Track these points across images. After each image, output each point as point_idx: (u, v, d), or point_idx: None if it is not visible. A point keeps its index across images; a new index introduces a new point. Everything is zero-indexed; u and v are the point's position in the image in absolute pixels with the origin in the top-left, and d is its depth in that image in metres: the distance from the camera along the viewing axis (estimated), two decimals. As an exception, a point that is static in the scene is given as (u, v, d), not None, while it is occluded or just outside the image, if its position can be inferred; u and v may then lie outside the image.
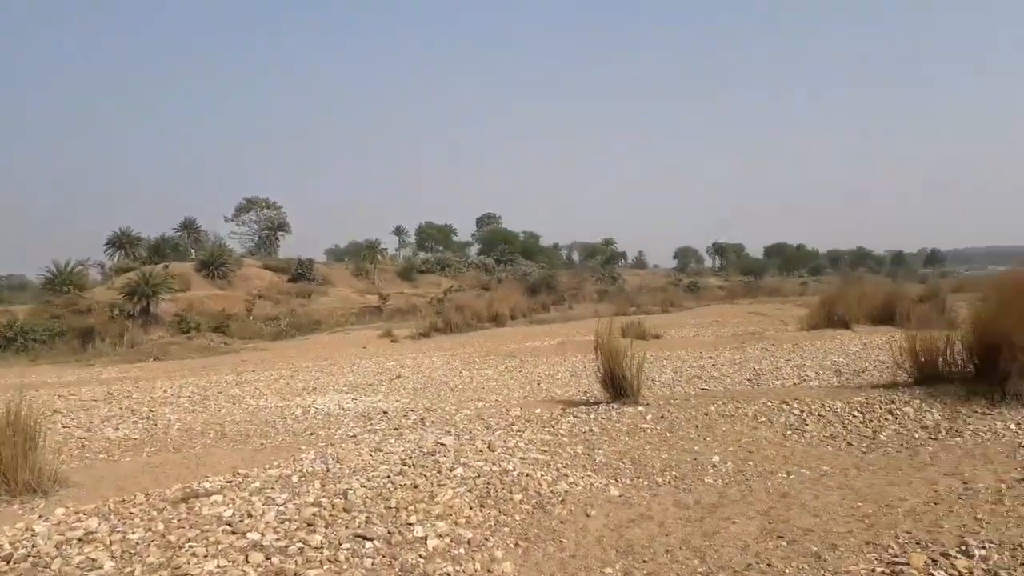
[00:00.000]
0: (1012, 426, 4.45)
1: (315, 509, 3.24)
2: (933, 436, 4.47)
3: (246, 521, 3.09)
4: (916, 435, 4.52)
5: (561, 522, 3.29)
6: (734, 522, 3.22)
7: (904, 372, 5.68)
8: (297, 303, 34.15)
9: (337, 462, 4.08)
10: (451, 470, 3.84)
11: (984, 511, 3.12)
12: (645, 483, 3.89)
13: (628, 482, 3.90)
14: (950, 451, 4.12)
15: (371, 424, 5.79)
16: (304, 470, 3.93)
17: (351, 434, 5.37)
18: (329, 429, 5.84)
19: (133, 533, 2.98)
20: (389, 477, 3.71)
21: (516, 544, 3.07)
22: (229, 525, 3.05)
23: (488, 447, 4.30)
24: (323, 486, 3.60)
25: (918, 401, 5.06)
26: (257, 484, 3.66)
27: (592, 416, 5.10)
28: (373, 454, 4.24)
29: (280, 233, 57.25)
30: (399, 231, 73.84)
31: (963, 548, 2.73)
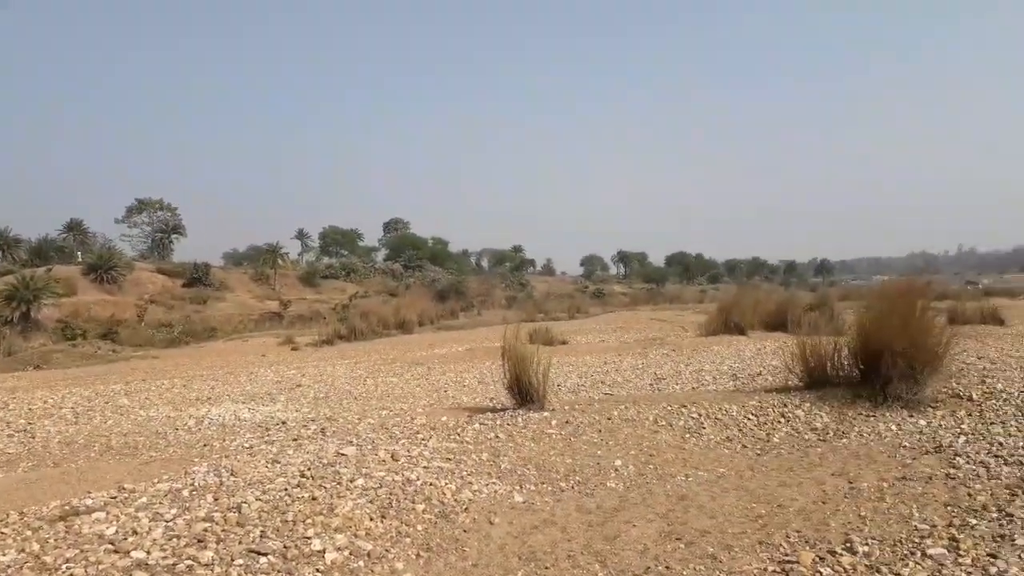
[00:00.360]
0: (893, 427, 4.71)
1: (206, 524, 3.09)
2: (822, 438, 4.67)
3: (131, 539, 2.91)
4: (806, 437, 4.72)
5: (464, 531, 3.25)
6: (635, 525, 3.26)
7: (795, 377, 5.92)
8: (192, 309, 32.84)
9: (231, 474, 3.90)
10: (352, 481, 3.74)
11: (868, 509, 3.28)
12: (549, 489, 3.89)
13: (532, 488, 3.89)
14: (837, 452, 4.31)
15: (269, 435, 5.59)
16: (196, 483, 3.75)
17: (247, 445, 5.17)
18: (224, 440, 5.60)
19: (4, 555, 2.76)
20: (287, 489, 3.58)
21: (418, 555, 3.01)
22: (112, 544, 2.87)
23: (391, 456, 4.21)
24: (216, 500, 3.43)
25: (808, 404, 5.28)
26: (144, 499, 3.47)
27: (498, 423, 5.08)
28: (270, 466, 4.08)
29: (175, 236, 54.88)
30: (302, 235, 72.21)
31: (848, 545, 2.86)
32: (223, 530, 3.05)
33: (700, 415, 5.18)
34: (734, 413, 5.20)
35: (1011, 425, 4.45)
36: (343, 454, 4.28)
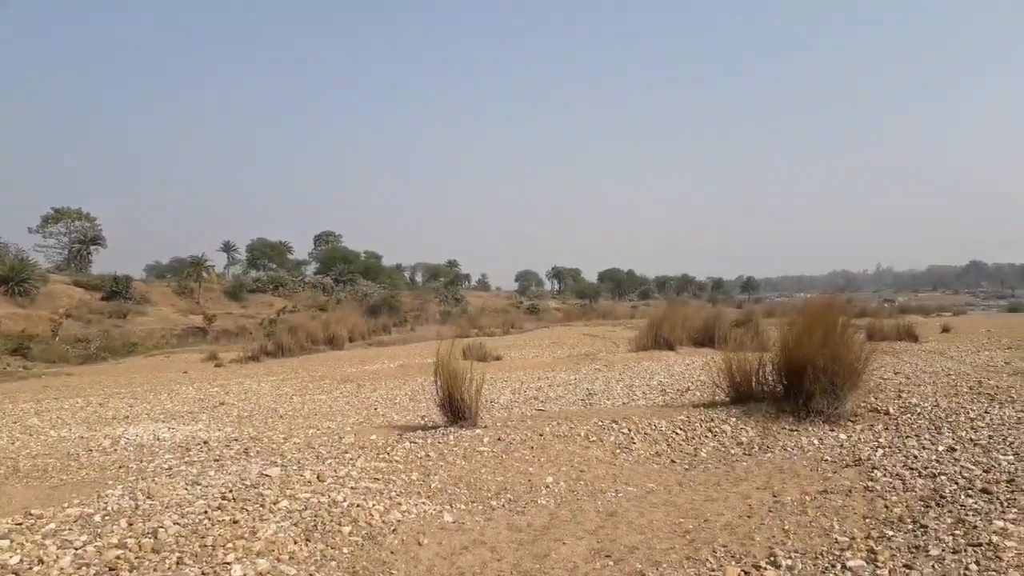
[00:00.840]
0: (815, 441, 4.84)
1: (119, 551, 2.94)
2: (748, 452, 4.76)
3: (36, 568, 2.76)
4: (732, 452, 4.80)
5: (392, 553, 3.18)
6: (564, 543, 3.25)
7: (722, 392, 6.04)
8: (111, 323, 31.62)
9: (148, 498, 3.73)
10: (276, 503, 3.62)
11: (791, 523, 3.35)
12: (480, 507, 3.84)
13: (463, 507, 3.84)
14: (762, 466, 4.40)
15: (189, 455, 5.37)
16: (109, 508, 3.56)
17: (166, 467, 4.95)
18: (141, 462, 5.35)
19: None
20: (206, 512, 3.44)
21: (343, 579, 2.92)
22: (16, 574, 2.70)
23: (317, 477, 4.10)
24: (130, 525, 3.27)
25: (734, 419, 5.38)
26: (52, 525, 3.27)
27: (429, 441, 5.01)
28: (189, 488, 3.92)
29: (93, 247, 52.73)
30: (228, 247, 70.43)
31: (772, 559, 2.91)
32: (137, 557, 2.91)
33: (630, 430, 5.22)
34: (663, 428, 5.26)
35: (925, 438, 4.63)
36: (267, 475, 4.14)
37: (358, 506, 3.65)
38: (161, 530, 3.19)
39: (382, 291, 48.95)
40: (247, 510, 3.49)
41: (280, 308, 38.55)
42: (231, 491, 3.80)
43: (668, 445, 4.98)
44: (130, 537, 3.10)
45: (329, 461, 4.52)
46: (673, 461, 4.67)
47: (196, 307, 39.69)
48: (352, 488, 3.94)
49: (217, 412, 8.30)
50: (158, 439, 6.44)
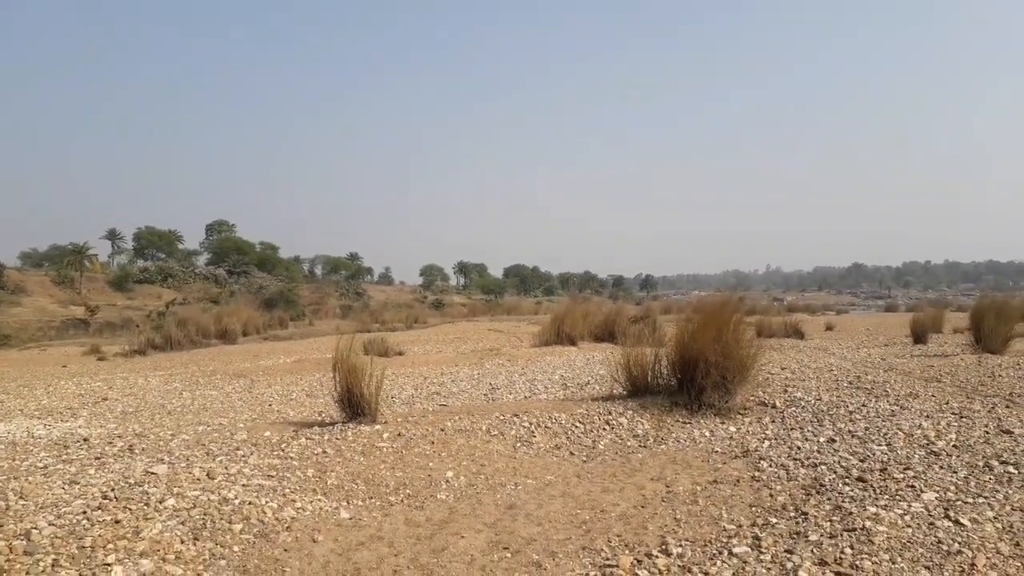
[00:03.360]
0: (707, 433, 5.02)
1: (-15, 556, 2.72)
2: (643, 444, 4.88)
3: None
4: (629, 444, 4.92)
5: (285, 550, 3.08)
6: (463, 536, 3.24)
7: (620, 386, 6.18)
8: (-18, 314, 29.40)
9: (20, 498, 3.48)
10: (161, 501, 3.44)
11: (682, 512, 3.46)
12: (378, 503, 3.78)
13: (360, 503, 3.77)
14: (657, 457, 4.52)
15: (68, 453, 5.03)
16: (-25, 511, 3.30)
17: (41, 465, 4.62)
18: (14, 460, 4.97)
19: None
20: (85, 512, 3.24)
21: (233, 579, 2.81)
22: None
23: (207, 475, 3.93)
24: (0, 527, 3.04)
25: (631, 412, 5.51)
26: (-92, 532, 3.01)
27: (326, 437, 4.89)
28: (67, 487, 3.68)
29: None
30: (113, 235, 66.67)
31: (664, 547, 3.00)
32: (7, 560, 2.71)
33: (531, 424, 5.27)
34: (563, 421, 5.33)
35: (808, 430, 4.88)
36: (153, 473, 3.94)
37: (250, 503, 3.53)
38: (35, 531, 2.98)
39: (278, 284, 47.64)
40: (130, 509, 3.31)
41: (169, 300, 36.75)
42: (113, 490, 3.59)
43: (567, 438, 5.04)
44: (0, 540, 2.89)
45: (220, 458, 4.34)
46: (572, 453, 4.74)
47: (77, 298, 37.52)
48: (244, 485, 3.80)
49: (99, 408, 7.84)
50: (32, 436, 6.01)
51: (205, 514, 3.34)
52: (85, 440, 5.59)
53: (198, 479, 3.85)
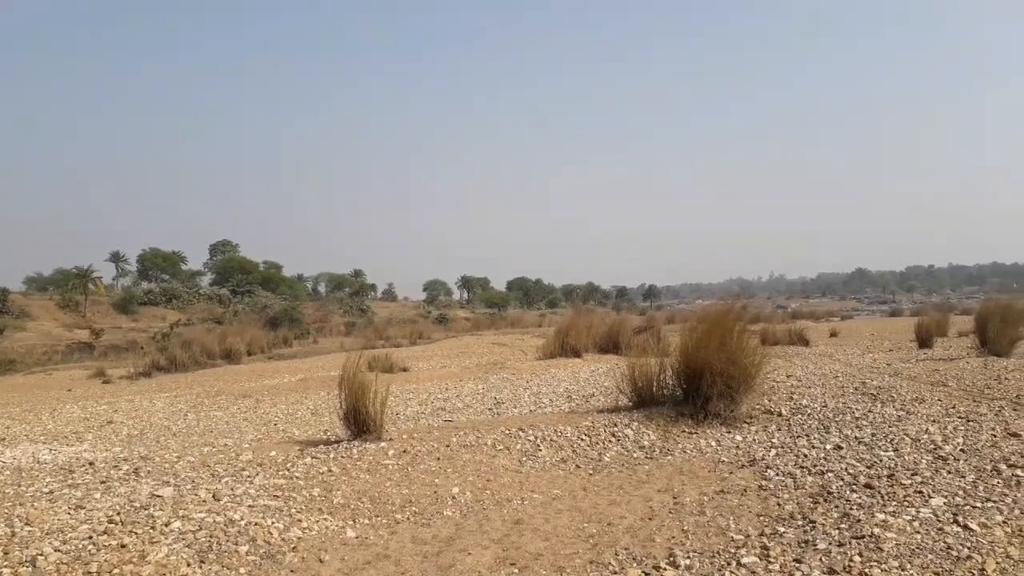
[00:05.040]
0: (713, 443, 5.00)
1: (-9, 584, 2.72)
2: (649, 455, 4.87)
3: None
4: (635, 455, 4.90)
5: (292, 571, 3.07)
6: (470, 553, 3.23)
7: (625, 397, 6.16)
8: (-12, 340, 29.45)
9: (26, 524, 3.48)
10: (167, 524, 3.44)
11: (690, 523, 3.44)
12: (384, 521, 3.77)
13: (366, 522, 3.76)
14: (663, 469, 4.51)
15: (73, 478, 5.03)
16: (-20, 538, 3.30)
17: (47, 490, 4.62)
18: (19, 486, 4.97)
19: None
20: (91, 537, 3.24)
21: (240, 601, 2.80)
22: None
23: (213, 496, 3.93)
24: (5, 553, 3.04)
25: (637, 423, 5.50)
26: (-85, 561, 3.01)
27: (332, 456, 4.89)
28: (73, 512, 3.67)
29: (-35, 258, 49.13)
30: (117, 258, 66.91)
31: (671, 559, 2.98)
32: (13, 589, 2.71)
33: (537, 438, 5.25)
34: (568, 434, 5.32)
35: (815, 438, 4.86)
36: (158, 495, 3.94)
37: (256, 524, 3.52)
38: (40, 558, 2.98)
39: (283, 302, 47.60)
40: (136, 533, 3.31)
41: (174, 321, 36.75)
42: (119, 514, 3.59)
43: (573, 451, 5.03)
44: (5, 567, 2.88)
45: (226, 479, 4.34)
46: (578, 466, 4.72)
47: (82, 321, 37.55)
48: (250, 506, 3.79)
49: (104, 431, 7.84)
50: (38, 461, 6.01)
51: (211, 536, 3.33)
52: (90, 464, 5.58)
53: (204, 501, 3.85)
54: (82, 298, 41.45)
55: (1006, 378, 6.74)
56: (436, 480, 4.43)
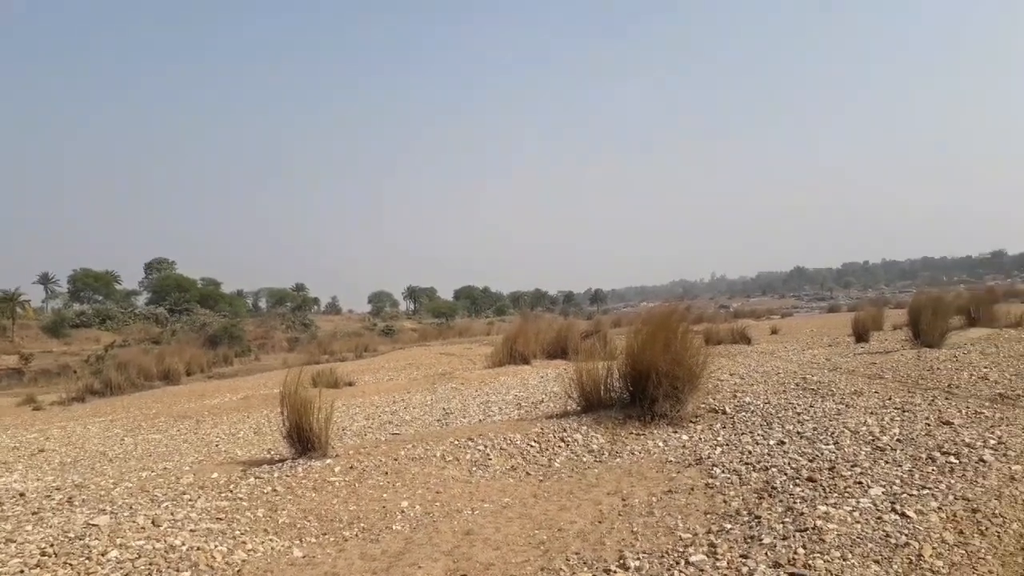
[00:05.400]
0: (660, 443, 5.06)
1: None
2: (598, 459, 4.89)
3: None
4: (584, 459, 4.92)
5: (237, 596, 2.98)
6: (420, 567, 3.18)
7: (573, 401, 6.19)
8: (-96, 369, 28.04)
9: (-49, 563, 3.30)
10: (104, 554, 3.30)
11: (639, 524, 3.46)
12: (332, 539, 3.70)
13: (313, 540, 3.68)
14: (612, 471, 4.53)
15: (2, 510, 4.80)
16: (-100, 579, 3.12)
17: (-27, 526, 4.41)
18: (-57, 523, 4.74)
19: None
20: (23, 572, 3.09)
21: (181, 631, 2.70)
22: None
23: (152, 522, 3.79)
24: (-71, 596, 2.89)
25: (585, 428, 5.52)
26: None
27: (276, 475, 4.77)
28: (3, 546, 3.50)
29: None
30: (46, 279, 64.39)
31: (621, 561, 2.99)
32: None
33: (486, 447, 5.23)
34: (518, 442, 5.31)
35: (758, 434, 4.95)
36: (94, 524, 3.78)
37: (198, 549, 3.41)
38: (-36, 598, 2.83)
39: (222, 320, 46.45)
40: (71, 564, 3.17)
41: (108, 343, 35.52)
42: (52, 545, 3.43)
43: (523, 458, 5.02)
44: (-74, 610, 2.73)
45: (165, 504, 4.19)
46: (528, 474, 4.72)
47: (10, 346, 36.00)
48: (191, 530, 3.67)
49: (36, 460, 7.51)
50: (-37, 496, 5.73)
51: (151, 563, 3.21)
52: (21, 495, 5.34)
53: (143, 527, 3.71)
54: (9, 322, 39.79)
55: (938, 368, 6.99)
56: (384, 495, 4.37)
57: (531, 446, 5.23)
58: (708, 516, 3.47)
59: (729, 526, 3.27)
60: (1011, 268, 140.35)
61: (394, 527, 3.83)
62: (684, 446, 4.93)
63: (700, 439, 5.07)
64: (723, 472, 4.17)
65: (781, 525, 3.15)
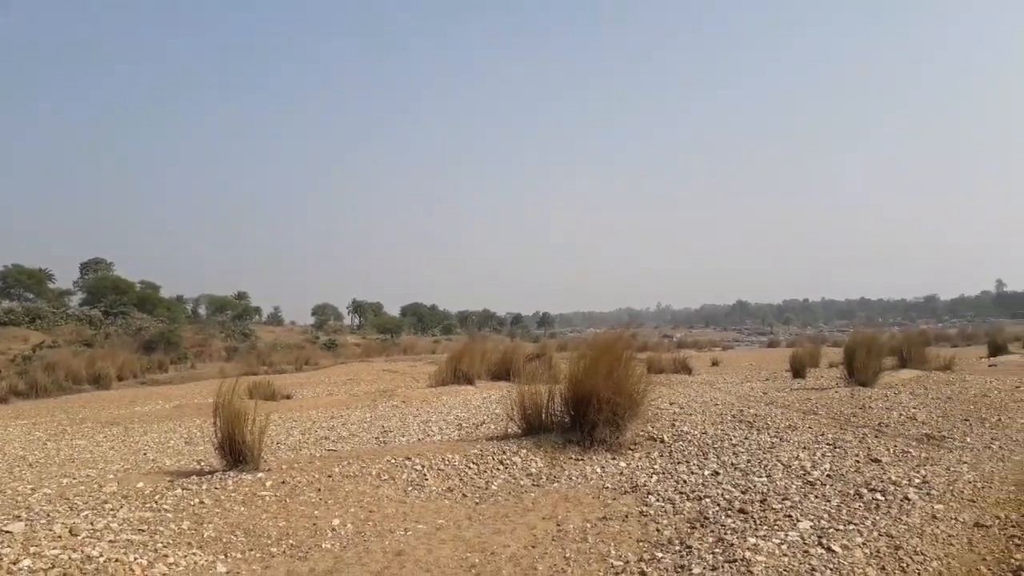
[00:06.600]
0: (598, 469, 5.07)
1: None
2: (536, 483, 4.88)
3: None
4: (522, 483, 4.90)
5: (154, 612, 2.87)
6: (348, 588, 3.12)
7: (515, 424, 6.17)
8: None
9: None
10: (16, 563, 3.14)
11: (572, 550, 3.46)
12: (258, 555, 3.59)
13: (239, 556, 3.57)
14: (549, 496, 4.52)
15: (-93, 516, 4.56)
16: None
17: None
18: None
19: None
20: (-76, 584, 2.93)
21: (92, 647, 2.59)
22: None
23: (70, 531, 3.63)
24: None
25: (525, 451, 5.51)
26: None
27: (204, 487, 4.63)
28: (-96, 556, 3.31)
29: None
30: (-27, 275, 61.81)
31: (554, 588, 2.98)
32: None
33: (423, 467, 5.17)
34: (456, 463, 5.26)
35: (693, 464, 5.01)
36: (7, 531, 3.60)
37: (117, 561, 3.27)
38: None
39: (159, 325, 45.20)
40: (-23, 575, 3.01)
41: (37, 343, 34.15)
42: (-42, 555, 3.26)
43: (460, 480, 4.98)
44: None
45: (85, 512, 4.02)
46: (465, 495, 4.67)
47: (-70, 343, 34.29)
48: (111, 541, 3.53)
49: (-52, 463, 7.15)
50: None
51: (65, 574, 3.08)
52: (-71, 499, 5.08)
53: (59, 536, 3.55)
54: (-70, 318, 38.00)
55: (870, 407, 7.20)
56: (316, 512, 4.27)
57: (469, 468, 5.19)
58: (641, 544, 3.49)
59: (660, 555, 3.29)
60: (942, 313, 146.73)
61: (324, 545, 3.75)
62: (621, 473, 4.96)
63: (637, 467, 5.11)
64: (658, 500, 4.20)
65: (711, 555, 3.18)
